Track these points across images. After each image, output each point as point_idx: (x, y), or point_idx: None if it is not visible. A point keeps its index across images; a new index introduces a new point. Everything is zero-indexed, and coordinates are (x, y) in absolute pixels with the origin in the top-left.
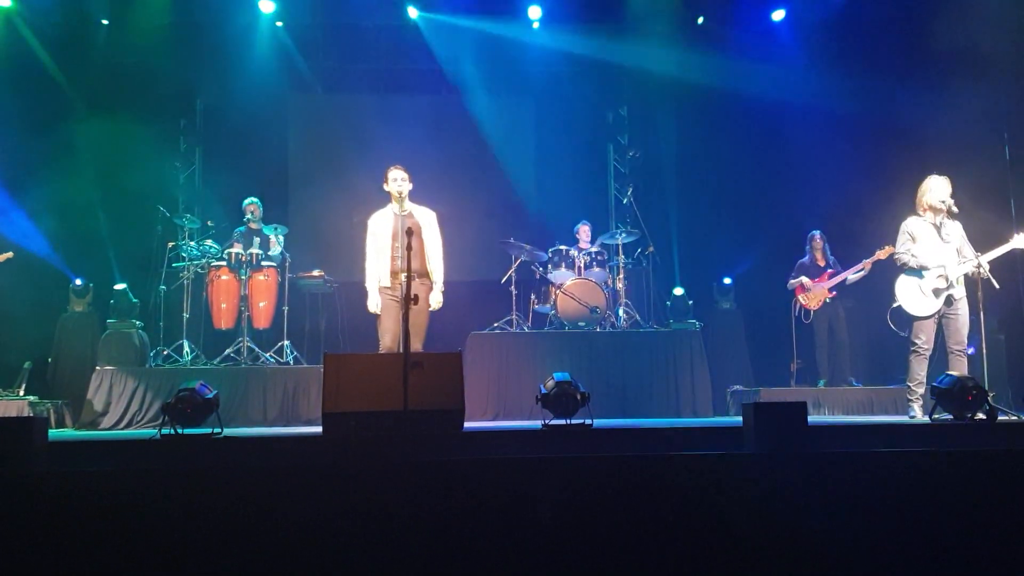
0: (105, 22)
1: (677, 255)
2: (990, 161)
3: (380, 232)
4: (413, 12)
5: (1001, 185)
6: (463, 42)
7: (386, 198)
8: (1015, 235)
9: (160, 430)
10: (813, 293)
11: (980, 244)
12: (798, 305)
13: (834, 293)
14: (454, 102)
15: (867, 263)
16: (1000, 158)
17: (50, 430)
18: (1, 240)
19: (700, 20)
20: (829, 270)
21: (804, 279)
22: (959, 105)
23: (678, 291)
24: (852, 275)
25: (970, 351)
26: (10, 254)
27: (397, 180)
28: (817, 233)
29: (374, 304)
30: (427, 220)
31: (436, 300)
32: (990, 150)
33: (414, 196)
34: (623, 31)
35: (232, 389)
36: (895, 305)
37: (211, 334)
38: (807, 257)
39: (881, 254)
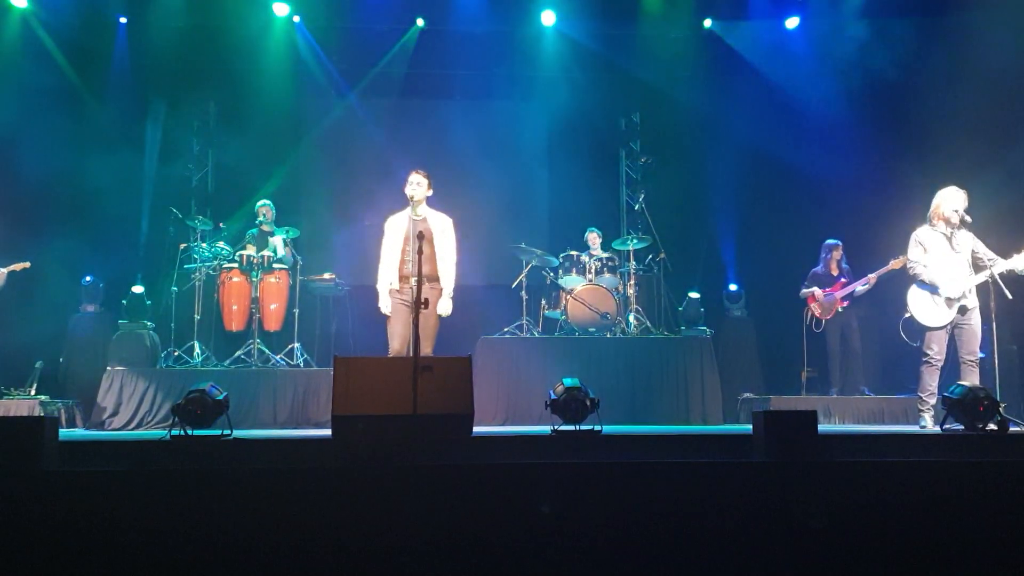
0: (123, 20)
1: (688, 262)
2: (1005, 169)
3: (393, 234)
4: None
5: (1017, 192)
6: (476, 47)
7: (406, 200)
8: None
9: (170, 431)
10: (824, 303)
11: (996, 252)
12: (810, 314)
13: (846, 303)
14: (466, 107)
15: (872, 277)
16: (1016, 165)
17: (60, 430)
18: (18, 247)
19: (708, 23)
20: (842, 279)
21: (815, 289)
22: (975, 114)
23: (694, 295)
24: (860, 287)
25: (981, 355)
26: (27, 264)
27: (412, 184)
28: (834, 243)
29: (385, 305)
30: (441, 226)
31: (444, 308)
32: (1005, 158)
33: (431, 201)
34: (636, 37)
35: (242, 391)
36: (907, 315)
37: (222, 336)
38: (820, 266)
39: (895, 264)
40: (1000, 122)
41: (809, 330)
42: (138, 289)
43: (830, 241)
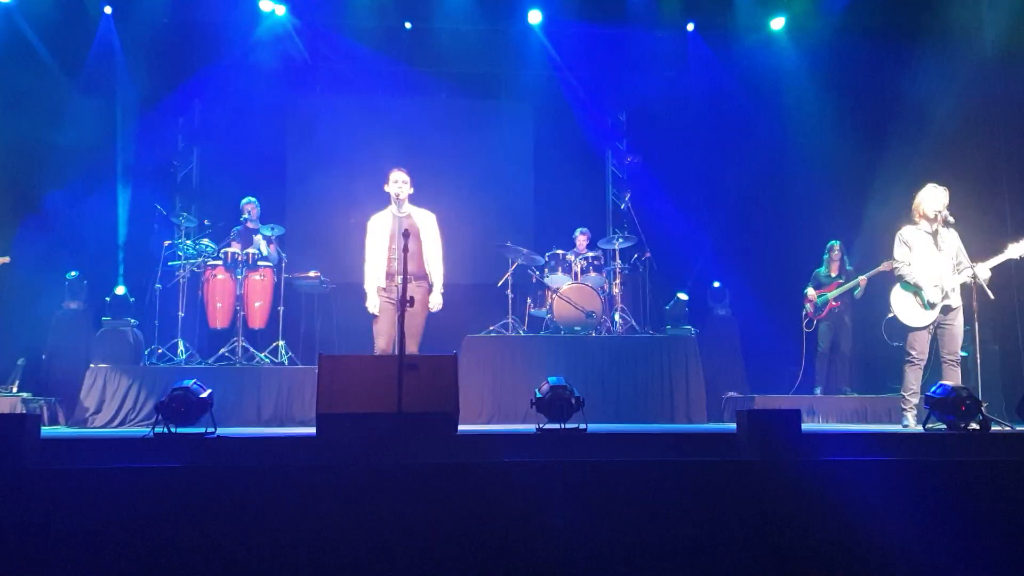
0: (108, 10)
1: (674, 261)
2: (987, 170)
3: (378, 233)
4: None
5: (998, 194)
6: (463, 45)
7: (386, 199)
8: (1010, 245)
9: (153, 429)
10: (817, 303)
11: (976, 253)
12: (805, 313)
13: (838, 303)
14: (453, 105)
15: (863, 280)
16: (997, 167)
17: (43, 427)
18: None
19: (691, 27)
20: (839, 280)
21: (809, 289)
22: (956, 114)
23: (683, 296)
24: (857, 292)
25: (963, 354)
26: (6, 259)
27: (397, 182)
28: (834, 244)
29: (373, 305)
30: (426, 223)
31: (436, 302)
32: (987, 159)
33: (414, 198)
34: (622, 36)
35: (226, 389)
36: (890, 315)
37: (206, 333)
38: (823, 267)
39: (887, 266)
40: (989, 120)
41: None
42: (120, 290)
43: (830, 242)
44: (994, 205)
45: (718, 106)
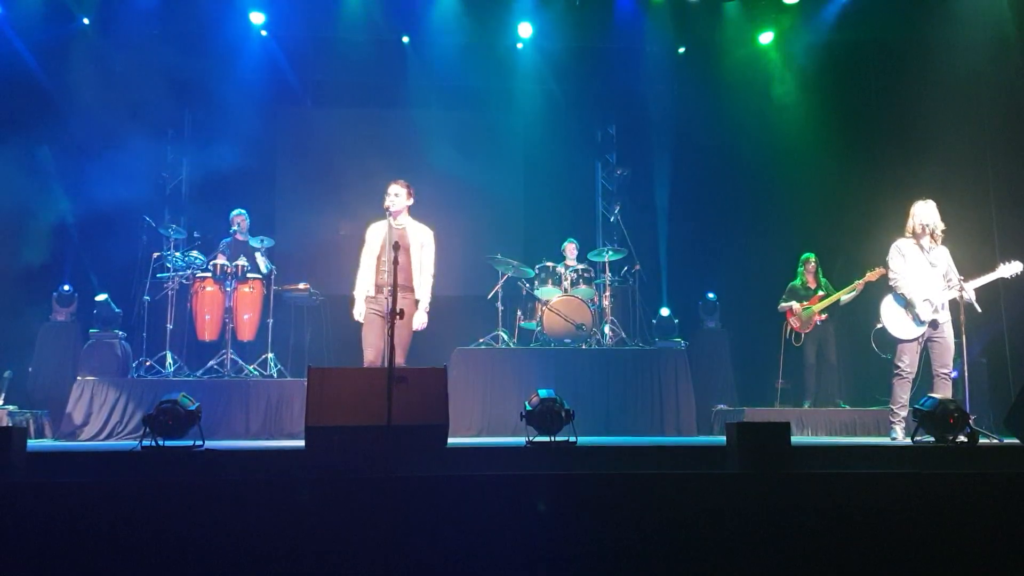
0: (86, 20)
1: (664, 274)
2: (974, 190)
3: (372, 242)
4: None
5: (984, 211)
6: (453, 58)
7: (379, 211)
8: (1000, 265)
9: (141, 442)
10: (803, 316)
11: (962, 269)
12: (788, 328)
13: (824, 316)
14: (443, 117)
15: (859, 284)
16: (984, 187)
17: (29, 440)
18: None
19: (681, 50)
20: (819, 293)
21: (793, 303)
22: (944, 133)
23: (664, 311)
24: (845, 296)
25: (954, 375)
26: None
27: (390, 195)
28: (809, 256)
29: (359, 313)
30: (420, 238)
31: (420, 320)
32: (974, 179)
33: (414, 211)
34: (612, 50)
35: (215, 401)
36: (879, 326)
37: (194, 346)
38: (798, 280)
39: (872, 276)
40: (975, 133)
41: (788, 343)
42: (101, 297)
43: (805, 255)
44: (980, 220)
45: (707, 119)
